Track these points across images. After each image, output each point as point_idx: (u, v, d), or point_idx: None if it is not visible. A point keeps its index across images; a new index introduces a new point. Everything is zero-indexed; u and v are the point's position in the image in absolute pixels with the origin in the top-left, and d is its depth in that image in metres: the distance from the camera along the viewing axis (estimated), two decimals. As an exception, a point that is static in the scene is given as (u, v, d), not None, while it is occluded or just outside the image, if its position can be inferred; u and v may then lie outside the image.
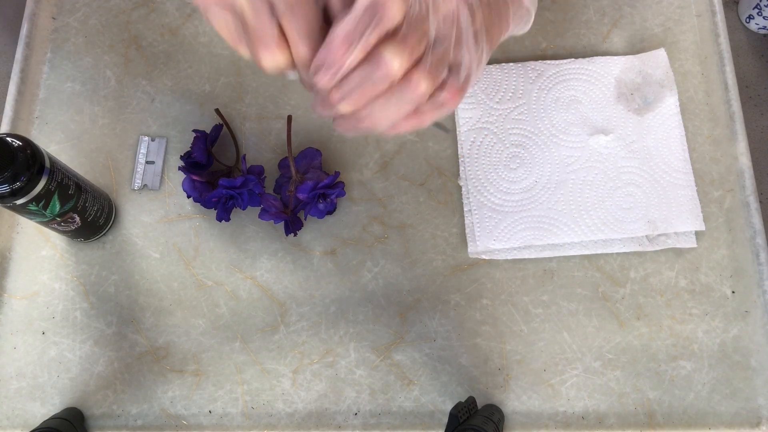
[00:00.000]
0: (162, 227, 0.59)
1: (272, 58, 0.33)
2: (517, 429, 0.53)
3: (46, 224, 0.52)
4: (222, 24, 0.34)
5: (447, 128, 0.34)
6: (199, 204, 0.59)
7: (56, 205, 0.50)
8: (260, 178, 0.57)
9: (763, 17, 1.44)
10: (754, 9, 1.45)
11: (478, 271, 0.57)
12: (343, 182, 0.58)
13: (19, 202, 0.46)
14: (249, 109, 0.62)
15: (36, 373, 0.56)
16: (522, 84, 0.61)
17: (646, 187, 0.58)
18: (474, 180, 0.59)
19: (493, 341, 0.56)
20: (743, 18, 1.50)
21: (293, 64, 0.34)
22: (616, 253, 0.57)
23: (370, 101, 0.33)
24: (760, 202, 0.58)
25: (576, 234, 0.57)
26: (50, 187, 0.48)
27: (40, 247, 0.59)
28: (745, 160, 0.59)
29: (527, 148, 0.60)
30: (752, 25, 1.49)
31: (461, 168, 0.59)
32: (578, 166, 0.59)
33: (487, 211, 0.58)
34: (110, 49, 0.65)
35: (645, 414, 0.54)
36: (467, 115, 0.61)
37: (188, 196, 0.57)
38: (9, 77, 0.63)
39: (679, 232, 0.57)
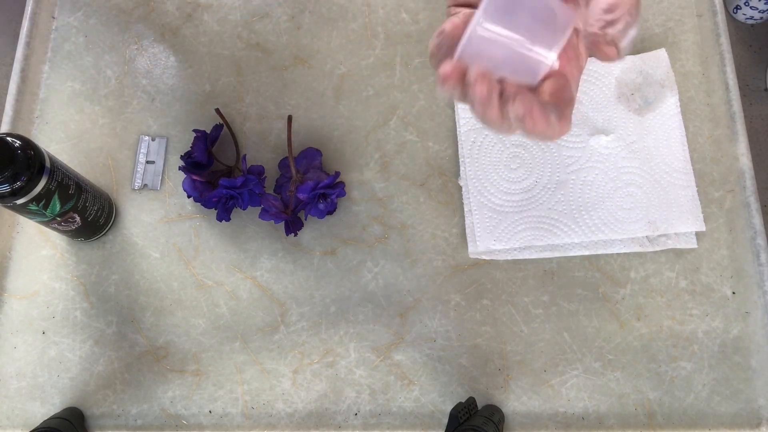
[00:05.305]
0: (162, 227, 0.59)
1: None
2: (517, 429, 0.53)
3: (46, 224, 0.52)
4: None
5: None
6: (199, 204, 0.59)
7: (56, 205, 0.50)
8: (260, 178, 0.57)
9: (750, 7, 1.44)
10: None
11: (478, 271, 0.57)
12: (343, 182, 0.58)
13: (20, 201, 0.46)
14: (249, 108, 0.62)
15: (36, 373, 0.56)
16: (522, 84, 0.61)
17: (647, 187, 0.58)
18: (474, 180, 0.59)
19: (493, 342, 0.56)
20: (731, 9, 1.50)
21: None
22: (617, 254, 0.57)
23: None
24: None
25: (576, 234, 0.57)
26: (50, 186, 0.48)
27: (40, 247, 0.59)
28: (745, 161, 0.59)
29: (528, 148, 0.60)
30: (740, 16, 1.49)
31: (461, 168, 0.59)
32: (579, 167, 0.59)
33: (488, 211, 0.58)
34: (110, 49, 0.65)
35: (645, 415, 0.54)
36: (467, 115, 0.61)
37: (188, 196, 0.57)
38: (9, 77, 0.63)
39: (679, 232, 0.57)
